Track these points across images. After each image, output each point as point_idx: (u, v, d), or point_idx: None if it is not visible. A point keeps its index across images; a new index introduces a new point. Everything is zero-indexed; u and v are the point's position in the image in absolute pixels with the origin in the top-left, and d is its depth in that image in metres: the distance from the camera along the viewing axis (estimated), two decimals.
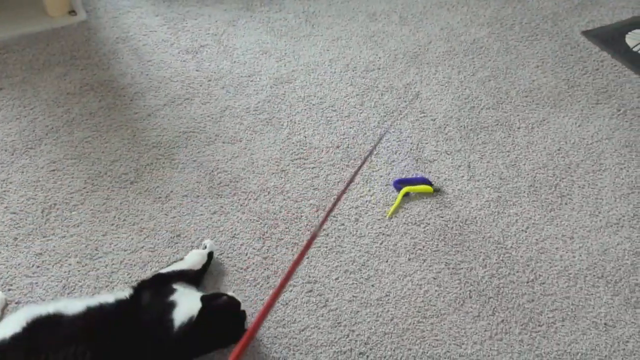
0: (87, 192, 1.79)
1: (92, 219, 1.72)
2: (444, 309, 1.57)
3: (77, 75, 2.17)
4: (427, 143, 2.04)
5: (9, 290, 1.53)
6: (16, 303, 1.50)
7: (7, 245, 1.63)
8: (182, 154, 1.95)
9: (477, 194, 1.87)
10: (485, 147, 2.03)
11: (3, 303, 1.49)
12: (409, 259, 1.69)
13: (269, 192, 1.85)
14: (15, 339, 1.28)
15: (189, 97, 2.16)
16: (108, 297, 1.39)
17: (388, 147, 2.02)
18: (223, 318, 1.38)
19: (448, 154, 2.00)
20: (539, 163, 1.99)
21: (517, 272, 1.66)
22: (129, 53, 2.31)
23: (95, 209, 1.75)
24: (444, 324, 1.54)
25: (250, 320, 1.44)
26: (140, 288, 1.43)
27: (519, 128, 2.11)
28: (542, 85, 2.29)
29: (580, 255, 1.71)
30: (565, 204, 1.85)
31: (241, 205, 1.80)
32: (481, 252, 1.71)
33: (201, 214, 1.77)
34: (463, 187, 1.89)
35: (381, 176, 1.92)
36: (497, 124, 2.12)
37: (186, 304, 1.36)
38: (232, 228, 1.74)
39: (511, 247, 1.73)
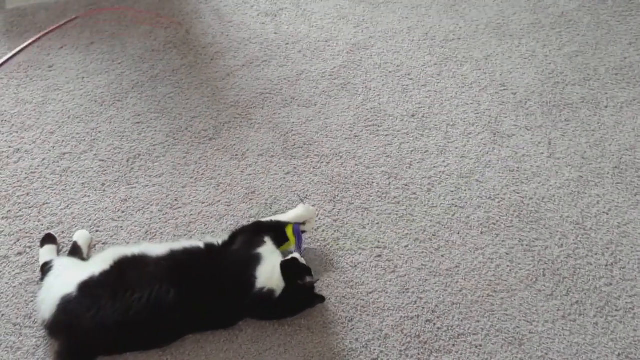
0: (169, 145, 1.86)
1: (172, 171, 1.79)
2: (515, 285, 1.54)
3: (162, 33, 2.24)
4: (506, 117, 1.98)
5: (96, 231, 1.63)
6: (103, 244, 1.60)
7: (95, 190, 1.73)
8: (258, 114, 1.98)
9: (557, 172, 1.81)
10: (569, 124, 1.95)
11: (90, 242, 1.59)
12: (482, 233, 1.66)
13: (341, 157, 1.86)
14: (104, 275, 1.37)
15: (266, 59, 2.18)
16: (196, 242, 1.45)
17: (465, 119, 1.97)
18: (301, 297, 1.43)
19: (528, 130, 1.93)
20: (626, 144, 1.89)
21: (596, 254, 1.60)
22: (211, 13, 2.35)
23: (176, 162, 1.82)
24: (515, 300, 1.51)
25: None
26: (237, 233, 1.48)
27: (606, 107, 2.01)
28: (634, 64, 2.16)
29: None
30: None
31: (314, 168, 1.82)
32: (558, 231, 1.66)
33: (275, 174, 1.80)
34: (542, 165, 1.83)
35: (456, 148, 1.88)
36: (583, 102, 2.02)
37: (269, 264, 1.40)
38: (304, 189, 1.76)
39: (590, 228, 1.66)
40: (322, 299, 1.47)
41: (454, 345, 1.43)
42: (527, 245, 1.63)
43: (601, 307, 1.50)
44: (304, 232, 1.53)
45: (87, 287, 1.35)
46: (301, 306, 1.46)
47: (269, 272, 1.40)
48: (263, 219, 1.57)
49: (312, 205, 1.65)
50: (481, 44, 2.25)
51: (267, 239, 1.46)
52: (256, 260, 1.41)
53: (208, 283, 1.38)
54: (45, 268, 1.46)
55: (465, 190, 1.77)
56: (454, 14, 2.39)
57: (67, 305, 1.33)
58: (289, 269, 1.41)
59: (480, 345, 1.43)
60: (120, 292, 1.33)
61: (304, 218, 1.56)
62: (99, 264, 1.41)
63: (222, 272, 1.41)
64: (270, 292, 1.39)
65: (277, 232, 1.50)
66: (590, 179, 1.79)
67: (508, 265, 1.59)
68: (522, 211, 1.71)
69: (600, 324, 1.47)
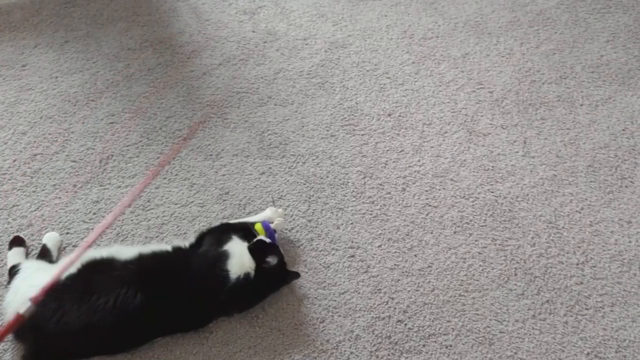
0: (143, 145, 1.85)
1: (146, 171, 1.78)
2: (487, 285, 1.55)
3: (137, 32, 2.22)
4: (482, 116, 1.98)
5: (67, 233, 1.61)
6: (73, 246, 1.59)
7: (66, 192, 1.71)
8: (234, 113, 1.97)
9: (531, 171, 1.81)
10: (544, 123, 1.95)
11: (59, 245, 1.57)
12: (455, 232, 1.66)
13: (317, 157, 1.85)
14: (70, 279, 1.36)
15: (243, 57, 2.17)
16: (164, 246, 1.45)
17: (441, 117, 1.97)
18: (275, 275, 1.45)
19: (504, 128, 1.93)
20: (600, 143, 1.89)
21: (567, 253, 1.61)
22: (188, 11, 2.33)
23: (150, 162, 1.80)
24: (486, 300, 1.52)
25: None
26: (204, 234, 1.49)
27: (581, 105, 2.01)
28: (611, 62, 2.16)
29: (637, 241, 1.64)
30: (626, 186, 1.77)
31: (289, 168, 1.82)
32: (530, 230, 1.66)
33: (250, 174, 1.79)
34: (517, 163, 1.83)
35: (432, 147, 1.88)
36: (559, 100, 2.03)
37: (238, 254, 1.42)
38: (279, 189, 1.76)
39: (563, 227, 1.67)
40: (296, 274, 1.49)
41: (424, 345, 1.43)
42: (499, 245, 1.63)
43: (571, 305, 1.50)
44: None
45: (54, 290, 1.34)
46: (277, 284, 1.48)
47: (239, 260, 1.41)
48: (230, 221, 1.57)
49: (284, 208, 1.66)
50: (459, 42, 2.25)
51: (234, 236, 1.47)
52: (225, 256, 1.42)
53: (176, 286, 1.38)
54: (13, 271, 1.45)
55: (439, 190, 1.76)
56: (432, 11, 2.38)
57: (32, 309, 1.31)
58: (257, 247, 1.43)
59: (451, 346, 1.43)
60: (86, 296, 1.32)
61: (271, 219, 1.57)
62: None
63: (192, 274, 1.41)
64: (247, 275, 1.40)
65: (245, 231, 1.50)
66: (564, 178, 1.79)
67: (480, 265, 1.59)
68: (495, 210, 1.71)
69: (570, 322, 1.47)
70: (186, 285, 1.39)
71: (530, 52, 2.20)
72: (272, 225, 1.54)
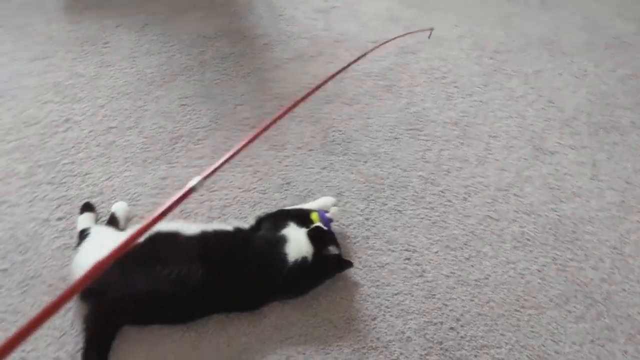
0: (211, 129, 1.90)
1: (212, 154, 1.83)
2: (544, 303, 1.51)
3: (214, 21, 2.28)
4: (550, 134, 1.94)
5: (134, 205, 1.67)
6: (139, 218, 1.64)
7: (137, 165, 1.77)
8: (301, 108, 2.00)
9: (599, 195, 1.76)
10: (615, 147, 1.90)
11: (127, 215, 1.63)
12: (515, 247, 1.64)
13: (379, 157, 1.86)
14: (137, 247, 1.40)
15: (314, 54, 2.20)
16: (226, 225, 1.49)
17: (508, 132, 1.95)
18: (331, 262, 1.48)
19: (572, 149, 1.89)
20: None
21: (632, 281, 1.56)
22: (263, 6, 2.39)
23: (217, 146, 1.85)
24: (543, 318, 1.48)
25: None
26: (262, 219, 1.52)
27: None
28: None
29: None
30: None
31: (350, 166, 1.83)
32: (594, 253, 1.62)
33: (311, 167, 1.82)
34: (584, 185, 1.79)
35: (497, 160, 1.86)
36: (632, 126, 1.97)
37: (296, 238, 1.45)
38: (339, 185, 1.77)
39: (629, 254, 1.62)
40: (350, 263, 1.51)
41: (475, 356, 1.41)
42: (560, 265, 1.59)
43: (632, 335, 1.45)
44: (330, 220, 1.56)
45: (121, 256, 1.39)
46: (332, 271, 1.51)
47: (297, 244, 1.44)
48: (287, 207, 1.61)
49: (343, 204, 1.67)
50: (532, 58, 2.22)
51: (291, 222, 1.50)
52: (283, 240, 1.45)
53: (236, 265, 1.41)
54: (83, 234, 1.51)
55: (501, 203, 1.74)
56: (507, 25, 2.36)
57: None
58: (315, 234, 1.46)
59: (503, 359, 1.40)
60: (151, 265, 1.36)
61: (325, 207, 1.60)
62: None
63: (251, 255, 1.44)
64: (304, 259, 1.43)
65: (300, 217, 1.52)
66: (633, 205, 1.74)
67: (539, 283, 1.56)
68: (558, 230, 1.68)
69: (630, 352, 1.43)
70: (245, 265, 1.42)
71: (605, 75, 2.15)
72: (327, 215, 1.56)
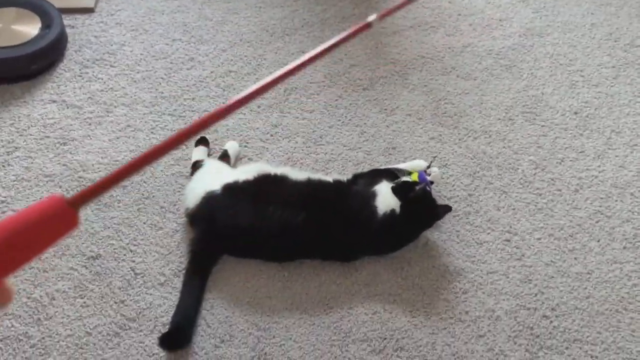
0: (325, 85, 1.93)
1: (323, 110, 1.86)
2: None
3: None
4: None
5: (245, 146, 1.74)
6: (248, 159, 1.71)
7: (251, 110, 1.84)
8: (415, 76, 1.98)
9: None
10: None
11: (238, 154, 1.70)
12: (624, 247, 1.55)
13: (490, 135, 1.81)
14: (247, 183, 1.47)
15: (435, 25, 2.16)
16: (328, 177, 1.52)
17: (634, 129, 1.83)
18: (422, 209, 1.47)
19: None
20: None
21: None
22: None
23: (328, 102, 1.88)
24: None
25: None
26: (358, 176, 1.54)
27: None
28: None
29: None
30: None
31: (459, 140, 1.79)
32: None
33: (419, 136, 1.80)
34: None
35: (617, 156, 1.75)
36: None
37: (385, 193, 1.47)
38: (445, 157, 1.74)
39: None
40: (448, 208, 1.50)
41: (567, 348, 1.36)
42: None
43: None
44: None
45: (231, 189, 1.46)
46: (426, 219, 1.48)
47: (384, 198, 1.46)
48: (382, 166, 1.66)
49: (448, 177, 1.65)
50: None
51: (384, 180, 1.51)
52: (374, 195, 1.47)
53: (332, 215, 1.44)
54: (197, 165, 1.60)
55: (616, 201, 1.65)
56: None
57: (210, 200, 1.45)
58: (399, 186, 1.47)
59: (597, 357, 1.35)
60: (258, 201, 1.42)
61: (418, 168, 1.59)
62: (244, 173, 1.51)
63: (347, 207, 1.46)
64: (392, 212, 1.44)
65: (393, 177, 1.54)
66: None
67: None
68: None
69: None
70: (340, 216, 1.45)
71: None
72: (428, 178, 1.54)
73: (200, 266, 1.44)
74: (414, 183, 1.49)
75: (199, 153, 1.67)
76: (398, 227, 1.45)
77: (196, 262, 1.44)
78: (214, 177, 1.51)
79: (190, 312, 1.35)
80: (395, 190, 1.46)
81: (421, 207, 1.46)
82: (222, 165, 1.59)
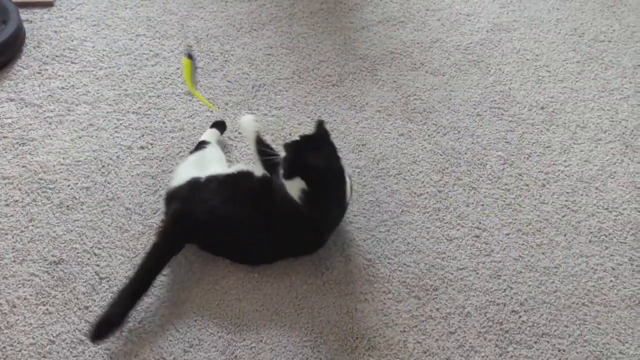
0: (294, 82, 1.90)
1: (292, 106, 1.83)
2: (615, 302, 1.46)
3: None
4: None
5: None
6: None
7: (219, 107, 1.80)
8: (384, 72, 1.97)
9: None
10: None
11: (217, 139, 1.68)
12: (590, 241, 1.57)
13: (458, 131, 1.81)
14: (228, 178, 1.46)
15: (403, 20, 2.15)
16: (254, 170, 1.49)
17: (598, 124, 1.86)
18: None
19: None
20: None
21: None
22: None
23: (297, 99, 1.85)
24: (611, 317, 1.43)
25: None
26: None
27: None
28: None
29: None
30: None
31: (428, 136, 1.80)
32: None
33: (389, 132, 1.80)
34: None
35: (582, 151, 1.78)
36: None
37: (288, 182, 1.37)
38: (414, 154, 1.74)
39: None
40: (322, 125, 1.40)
41: (535, 342, 1.38)
42: (637, 266, 1.52)
43: None
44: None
45: (211, 181, 1.42)
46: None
47: (291, 185, 1.35)
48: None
49: (416, 174, 1.65)
50: (633, 51, 2.09)
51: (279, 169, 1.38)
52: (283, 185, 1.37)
53: (271, 211, 1.40)
54: (201, 145, 1.59)
55: (581, 195, 1.67)
56: (609, 14, 2.23)
57: (192, 185, 1.42)
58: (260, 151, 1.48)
59: (564, 351, 1.37)
60: (232, 196, 1.39)
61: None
62: (231, 169, 1.49)
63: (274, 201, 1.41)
64: (303, 191, 1.33)
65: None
66: None
67: (611, 281, 1.50)
68: (639, 230, 1.60)
69: None
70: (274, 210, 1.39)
71: None
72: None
73: (162, 250, 1.37)
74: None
75: (209, 134, 1.66)
76: (313, 195, 1.33)
77: (159, 247, 1.37)
78: (206, 165, 1.49)
79: (126, 297, 1.30)
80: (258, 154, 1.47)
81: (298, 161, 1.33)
82: (220, 156, 1.57)
